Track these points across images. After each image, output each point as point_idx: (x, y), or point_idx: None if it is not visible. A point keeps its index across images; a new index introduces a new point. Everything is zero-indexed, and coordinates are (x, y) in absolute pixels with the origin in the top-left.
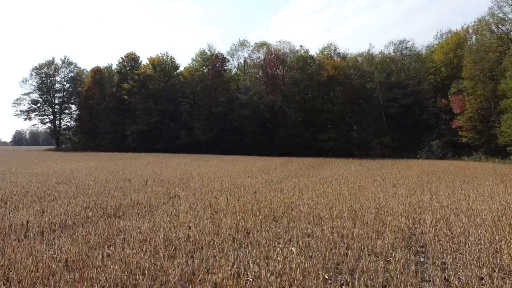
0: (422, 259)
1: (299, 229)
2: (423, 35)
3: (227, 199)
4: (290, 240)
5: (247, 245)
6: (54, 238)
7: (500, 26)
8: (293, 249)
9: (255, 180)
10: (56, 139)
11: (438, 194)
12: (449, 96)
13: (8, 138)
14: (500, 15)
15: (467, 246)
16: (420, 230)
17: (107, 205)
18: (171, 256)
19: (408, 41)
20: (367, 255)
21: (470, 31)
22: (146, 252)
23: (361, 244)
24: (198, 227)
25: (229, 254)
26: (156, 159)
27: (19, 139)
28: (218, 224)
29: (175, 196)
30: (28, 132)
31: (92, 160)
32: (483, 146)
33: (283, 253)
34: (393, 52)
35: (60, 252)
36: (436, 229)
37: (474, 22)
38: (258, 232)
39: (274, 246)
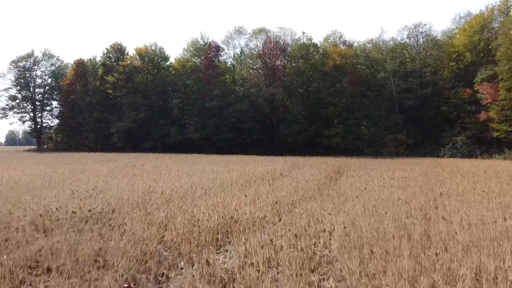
0: None
1: None
2: (436, 21)
3: None
4: None
5: None
6: None
7: None
8: None
9: (259, 210)
10: (37, 138)
11: None
12: (476, 84)
13: (2, 138)
14: None
15: None
16: None
17: None
18: None
19: (425, 25)
20: None
21: (495, 12)
22: None
23: None
24: None
25: None
26: (131, 162)
27: (12, 139)
28: None
29: None
30: (21, 132)
31: (49, 163)
32: None
33: None
34: (407, 38)
35: None
36: None
37: (500, 1)
38: None
39: None
